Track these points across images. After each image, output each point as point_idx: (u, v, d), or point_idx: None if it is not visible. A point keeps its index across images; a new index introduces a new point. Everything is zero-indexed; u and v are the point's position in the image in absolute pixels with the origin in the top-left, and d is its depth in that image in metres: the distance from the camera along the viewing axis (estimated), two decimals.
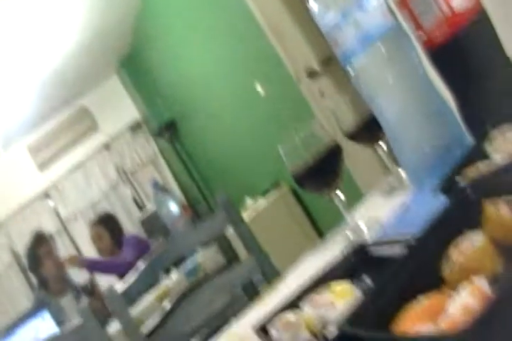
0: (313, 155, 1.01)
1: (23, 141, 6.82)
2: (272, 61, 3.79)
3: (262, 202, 4.39)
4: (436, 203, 0.67)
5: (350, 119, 1.19)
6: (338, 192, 1.02)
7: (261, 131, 4.67)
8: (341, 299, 0.70)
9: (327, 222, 4.30)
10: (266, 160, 4.72)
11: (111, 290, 1.59)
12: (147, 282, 1.79)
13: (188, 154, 6.59)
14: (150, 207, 6.22)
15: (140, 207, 6.90)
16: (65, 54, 5.51)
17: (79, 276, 4.47)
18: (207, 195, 6.31)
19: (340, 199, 1.02)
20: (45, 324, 2.99)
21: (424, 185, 0.97)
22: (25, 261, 5.29)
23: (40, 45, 5.03)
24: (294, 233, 4.11)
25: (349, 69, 1.00)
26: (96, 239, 4.33)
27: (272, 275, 1.79)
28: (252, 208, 4.38)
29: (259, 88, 4.27)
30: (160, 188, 3.06)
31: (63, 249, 6.51)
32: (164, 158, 7.12)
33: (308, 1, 1.01)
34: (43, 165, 6.94)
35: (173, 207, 2.67)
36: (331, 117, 1.24)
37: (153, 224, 5.31)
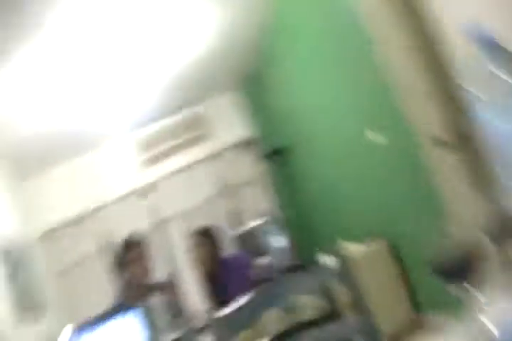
0: (457, 251, 1.03)
1: (133, 135, 7.07)
2: (392, 113, 3.77)
3: (355, 249, 4.34)
4: None
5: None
6: (470, 287, 1.03)
7: (372, 179, 4.64)
8: None
9: (424, 293, 4.24)
10: (371, 210, 4.77)
11: (219, 318, 1.62)
12: (248, 316, 1.80)
13: (293, 182, 6.64)
14: (248, 224, 6.34)
15: (238, 222, 7.00)
16: (194, 60, 5.70)
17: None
18: (304, 225, 6.31)
19: (471, 294, 1.04)
20: (126, 324, 3.01)
21: None
22: (112, 262, 5.48)
23: (172, 48, 5.26)
24: (382, 290, 4.03)
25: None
26: (194, 249, 4.34)
27: (372, 338, 1.76)
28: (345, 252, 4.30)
29: (372, 136, 4.26)
30: (272, 218, 3.11)
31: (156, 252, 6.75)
32: (268, 181, 7.21)
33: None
34: (146, 163, 7.14)
35: (281, 241, 2.70)
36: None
37: (248, 242, 5.33)
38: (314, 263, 2.01)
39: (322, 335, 1.86)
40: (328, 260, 2.79)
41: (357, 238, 4.58)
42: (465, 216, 2.03)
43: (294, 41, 5.38)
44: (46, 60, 4.36)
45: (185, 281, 6.78)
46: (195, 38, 5.31)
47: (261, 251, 5.54)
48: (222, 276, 4.07)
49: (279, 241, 2.74)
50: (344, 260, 1.84)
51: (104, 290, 6.59)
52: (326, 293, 2.03)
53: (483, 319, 1.06)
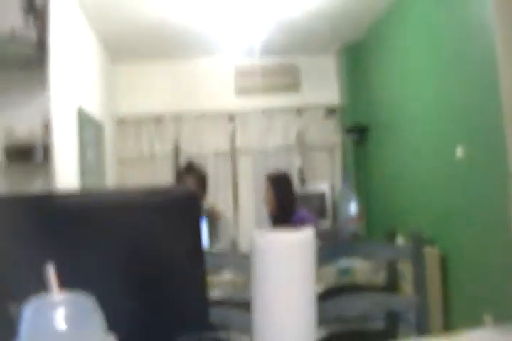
0: None
1: (233, 60, 7.26)
2: (490, 135, 3.86)
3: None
4: None
5: None
6: None
7: (444, 185, 4.76)
8: None
9: (456, 296, 4.49)
10: (435, 214, 4.93)
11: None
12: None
13: (366, 161, 6.84)
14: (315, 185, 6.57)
15: (303, 181, 7.28)
16: (306, 10, 5.79)
17: None
18: (370, 204, 6.50)
19: None
20: None
21: None
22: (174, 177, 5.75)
23: None
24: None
25: None
26: (266, 191, 4.45)
27: (422, 323, 1.86)
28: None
29: (459, 151, 4.42)
30: (350, 186, 3.29)
31: (220, 177, 7.13)
32: (343, 153, 7.42)
33: None
34: (238, 91, 7.37)
35: (353, 208, 2.93)
36: None
37: (312, 202, 5.54)
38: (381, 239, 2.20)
39: (378, 298, 1.97)
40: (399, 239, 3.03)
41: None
42: None
43: (411, 27, 5.44)
44: None
45: (244, 214, 7.19)
46: None
47: (322, 212, 5.82)
48: (285, 225, 4.22)
49: (348, 209, 2.96)
50: (418, 242, 1.99)
51: None
52: (390, 267, 2.23)
53: None
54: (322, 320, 1.90)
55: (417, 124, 5.34)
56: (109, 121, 6.67)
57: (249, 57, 6.84)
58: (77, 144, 4.97)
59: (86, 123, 5.33)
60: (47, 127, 3.84)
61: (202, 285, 0.96)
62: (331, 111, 7.49)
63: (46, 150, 3.79)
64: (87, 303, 0.73)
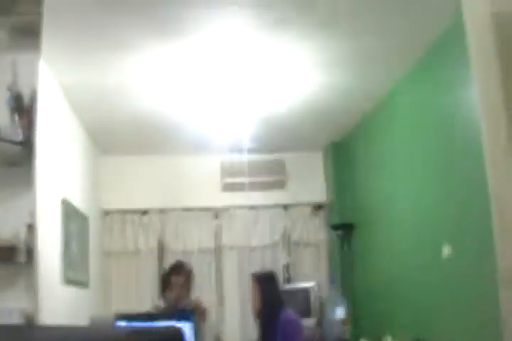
0: None
1: (218, 157, 7.33)
2: (477, 234, 3.84)
3: None
4: None
5: None
6: None
7: (428, 286, 4.74)
8: None
9: None
10: (422, 314, 4.84)
11: None
12: None
13: (352, 260, 6.76)
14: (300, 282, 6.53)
15: (289, 278, 7.21)
16: (292, 109, 5.91)
17: None
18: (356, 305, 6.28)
19: None
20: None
21: None
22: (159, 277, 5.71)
23: (277, 97, 5.58)
24: None
25: None
26: (252, 290, 4.40)
27: None
28: None
29: (445, 250, 4.39)
30: (338, 289, 3.26)
31: (204, 274, 7.06)
32: (329, 252, 7.39)
33: None
34: (224, 188, 7.39)
35: (340, 312, 2.88)
36: None
37: (295, 300, 5.50)
38: None
39: None
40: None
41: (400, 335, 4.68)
42: None
43: (398, 125, 5.55)
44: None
45: (229, 312, 7.06)
46: (299, 94, 5.58)
47: (305, 310, 5.72)
48: (271, 327, 4.19)
49: (335, 312, 2.90)
50: None
51: (144, 287, 6.95)
52: None
53: None
54: None
55: (402, 222, 5.37)
56: (94, 213, 6.64)
57: (236, 154, 6.93)
58: (61, 237, 4.92)
59: (71, 215, 5.30)
60: (31, 227, 3.82)
61: None
62: (317, 207, 7.52)
63: (30, 251, 3.76)
64: None
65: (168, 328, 1.00)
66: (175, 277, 4.32)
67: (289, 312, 4.29)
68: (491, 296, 3.41)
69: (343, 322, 2.85)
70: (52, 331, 0.96)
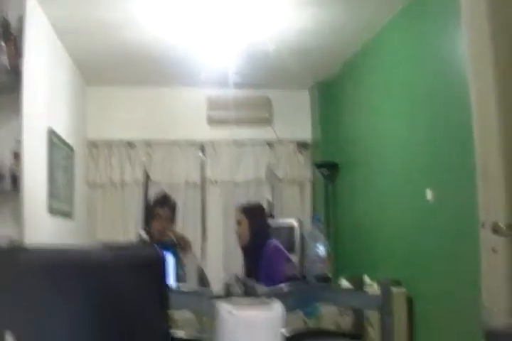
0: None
1: (205, 90, 7.27)
2: (460, 179, 3.93)
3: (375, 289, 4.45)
4: None
5: None
6: None
7: (412, 228, 4.81)
8: None
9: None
10: (402, 256, 4.97)
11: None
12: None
13: (335, 200, 6.86)
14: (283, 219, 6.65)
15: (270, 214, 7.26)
16: (281, 44, 5.76)
17: None
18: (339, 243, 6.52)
19: None
20: None
21: None
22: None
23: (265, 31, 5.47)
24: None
25: None
26: (237, 224, 4.46)
27: None
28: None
29: (429, 194, 4.47)
30: (320, 226, 3.30)
31: (189, 207, 7.11)
32: (313, 188, 7.47)
33: None
34: (210, 121, 7.39)
35: (321, 249, 2.93)
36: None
37: (278, 235, 5.58)
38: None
39: None
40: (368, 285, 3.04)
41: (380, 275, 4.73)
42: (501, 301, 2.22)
43: (385, 65, 5.53)
44: None
45: (212, 245, 7.16)
46: (288, 31, 5.54)
47: (289, 247, 5.82)
48: (258, 259, 4.26)
49: (317, 249, 2.97)
50: (386, 292, 2.01)
51: (129, 218, 7.01)
52: (357, 312, 2.24)
53: None
54: None
55: (387, 164, 5.40)
56: (80, 144, 6.63)
57: (223, 88, 6.86)
58: (46, 167, 4.93)
59: (56, 145, 5.29)
60: (17, 155, 3.82)
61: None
62: (302, 145, 7.55)
63: (15, 179, 3.77)
64: None
65: (149, 247, 1.03)
66: (159, 209, 4.35)
67: (275, 241, 4.39)
68: (471, 239, 3.50)
69: (324, 259, 2.92)
70: (41, 253, 0.98)
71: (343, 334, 2.22)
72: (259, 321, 0.83)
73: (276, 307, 0.84)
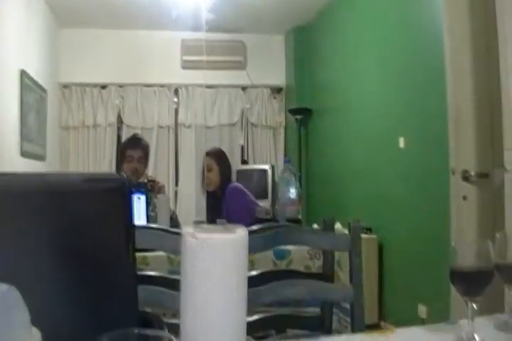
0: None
1: (180, 34, 7.19)
2: (432, 127, 4.00)
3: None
4: None
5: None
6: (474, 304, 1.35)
7: (385, 176, 4.89)
8: None
9: (392, 284, 4.62)
10: (374, 203, 5.05)
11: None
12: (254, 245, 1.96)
13: (308, 145, 6.91)
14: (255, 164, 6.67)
15: (243, 158, 7.35)
16: None
17: None
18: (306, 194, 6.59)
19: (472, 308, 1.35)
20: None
21: None
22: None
23: None
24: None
25: None
26: (205, 168, 4.50)
27: (357, 314, 1.91)
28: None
29: (402, 141, 4.54)
30: (292, 169, 3.34)
31: (162, 151, 7.12)
32: (286, 134, 7.50)
33: None
34: (184, 65, 7.32)
35: (293, 192, 2.99)
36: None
37: (250, 179, 5.63)
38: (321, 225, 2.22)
39: (313, 285, 1.97)
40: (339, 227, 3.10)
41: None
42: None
43: (361, 11, 5.51)
44: None
45: (184, 188, 7.20)
46: None
47: (261, 192, 5.91)
48: (222, 201, 4.34)
49: (288, 192, 3.01)
50: (356, 233, 2.05)
51: (102, 161, 7.01)
52: (327, 254, 2.28)
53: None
54: (256, 304, 1.96)
55: (361, 111, 5.44)
56: (53, 87, 6.56)
57: (197, 32, 6.78)
58: (18, 109, 4.89)
59: (28, 87, 5.24)
60: None
61: (132, 279, 0.98)
62: (276, 91, 7.54)
63: None
64: (10, 295, 0.69)
65: (112, 174, 1.01)
66: (131, 150, 4.33)
67: (236, 184, 4.47)
68: (441, 186, 3.59)
69: (295, 201, 2.98)
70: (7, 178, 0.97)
71: (312, 275, 2.27)
72: (220, 242, 0.85)
73: (240, 231, 0.87)
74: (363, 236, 4.49)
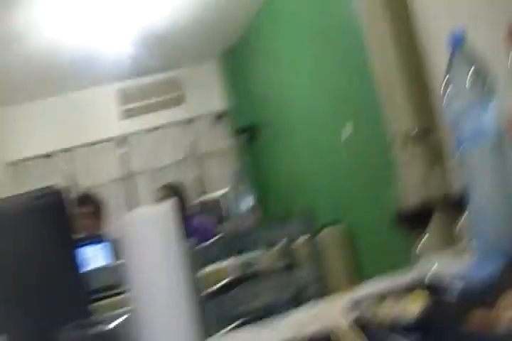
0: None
1: (114, 86, 7.20)
2: (369, 108, 4.03)
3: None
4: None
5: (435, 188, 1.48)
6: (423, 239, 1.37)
7: (335, 168, 4.93)
8: (414, 303, 0.97)
9: (369, 273, 4.61)
10: (334, 196, 5.07)
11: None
12: (217, 253, 1.98)
13: (260, 160, 6.93)
14: (211, 193, 6.65)
15: (202, 190, 7.32)
16: (176, 22, 5.79)
17: None
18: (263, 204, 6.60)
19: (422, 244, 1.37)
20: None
21: (488, 256, 1.30)
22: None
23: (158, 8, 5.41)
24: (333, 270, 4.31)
25: (458, 153, 1.34)
26: (160, 201, 4.43)
27: (323, 291, 2.01)
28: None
29: (346, 130, 4.59)
30: (241, 179, 3.34)
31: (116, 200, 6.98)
32: (237, 155, 7.50)
33: (445, 83, 1.33)
34: (124, 115, 7.35)
35: (247, 202, 2.99)
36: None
37: (210, 209, 5.59)
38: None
39: (279, 280, 2.06)
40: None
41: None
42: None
43: (283, 21, 5.59)
44: None
45: None
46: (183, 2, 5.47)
47: (223, 217, 5.88)
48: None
49: (241, 204, 3.03)
50: (308, 217, 2.07)
51: None
52: (286, 253, 2.30)
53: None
54: (228, 312, 1.96)
55: (303, 112, 5.49)
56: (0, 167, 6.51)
57: (129, 79, 6.80)
58: None
59: None
60: None
61: (80, 281, 0.99)
62: (219, 116, 7.58)
63: None
64: None
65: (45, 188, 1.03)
66: (80, 208, 4.29)
67: (198, 218, 4.44)
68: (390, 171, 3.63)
69: (252, 210, 3.00)
70: None
71: (277, 271, 2.29)
72: (147, 215, 0.87)
73: (167, 204, 0.89)
74: (331, 229, 4.57)
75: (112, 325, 0.76)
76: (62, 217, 0.99)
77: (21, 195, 1.01)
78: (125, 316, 0.77)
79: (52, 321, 0.90)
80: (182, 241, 0.91)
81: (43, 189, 1.00)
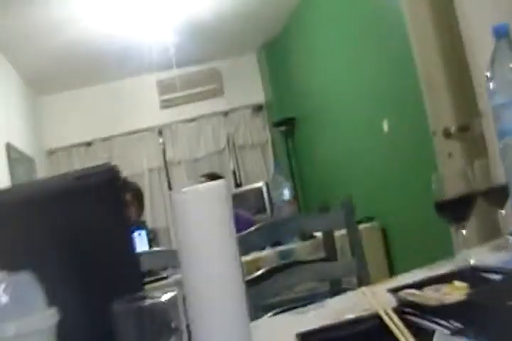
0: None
1: (154, 76, 7.23)
2: (409, 103, 4.03)
3: None
4: None
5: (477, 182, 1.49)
6: (463, 230, 1.38)
7: (373, 163, 4.91)
8: (458, 291, 0.99)
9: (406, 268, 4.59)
10: (370, 190, 5.05)
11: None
12: (256, 242, 1.99)
13: (298, 152, 6.92)
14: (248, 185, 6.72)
15: (237, 182, 7.39)
16: (219, 12, 5.79)
17: None
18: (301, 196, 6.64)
19: (462, 235, 1.38)
20: None
21: None
22: None
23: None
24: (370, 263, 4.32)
25: (501, 143, 1.34)
26: None
27: (365, 282, 1.93)
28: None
29: (385, 125, 4.58)
30: (282, 171, 3.38)
31: (156, 193, 7.17)
32: (274, 148, 7.55)
33: (488, 78, 1.34)
34: (163, 105, 7.40)
35: (286, 193, 3.03)
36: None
37: (247, 202, 5.64)
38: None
39: (317, 269, 2.02)
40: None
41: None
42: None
43: (324, 15, 5.58)
44: None
45: None
46: None
47: (262, 208, 5.92)
48: None
49: (281, 195, 3.06)
50: (349, 208, 2.07)
51: None
52: (327, 243, 2.31)
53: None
54: (269, 295, 1.99)
55: (342, 106, 5.47)
56: (40, 154, 6.63)
57: (170, 69, 6.85)
58: (9, 182, 4.93)
59: (16, 159, 5.30)
60: None
61: (132, 255, 1.02)
62: (257, 108, 7.60)
63: None
64: (28, 281, 0.79)
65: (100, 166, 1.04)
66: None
67: (237, 211, 4.47)
68: (430, 164, 3.63)
69: (289, 202, 3.03)
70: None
71: (315, 261, 2.30)
72: (204, 191, 0.89)
73: (220, 181, 0.91)
74: (366, 225, 4.58)
75: (164, 299, 0.79)
76: (117, 195, 1.01)
77: (76, 171, 1.03)
78: (175, 292, 0.80)
79: (105, 296, 0.93)
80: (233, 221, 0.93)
81: (98, 166, 1.02)
